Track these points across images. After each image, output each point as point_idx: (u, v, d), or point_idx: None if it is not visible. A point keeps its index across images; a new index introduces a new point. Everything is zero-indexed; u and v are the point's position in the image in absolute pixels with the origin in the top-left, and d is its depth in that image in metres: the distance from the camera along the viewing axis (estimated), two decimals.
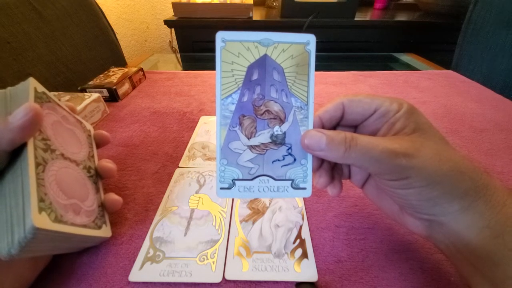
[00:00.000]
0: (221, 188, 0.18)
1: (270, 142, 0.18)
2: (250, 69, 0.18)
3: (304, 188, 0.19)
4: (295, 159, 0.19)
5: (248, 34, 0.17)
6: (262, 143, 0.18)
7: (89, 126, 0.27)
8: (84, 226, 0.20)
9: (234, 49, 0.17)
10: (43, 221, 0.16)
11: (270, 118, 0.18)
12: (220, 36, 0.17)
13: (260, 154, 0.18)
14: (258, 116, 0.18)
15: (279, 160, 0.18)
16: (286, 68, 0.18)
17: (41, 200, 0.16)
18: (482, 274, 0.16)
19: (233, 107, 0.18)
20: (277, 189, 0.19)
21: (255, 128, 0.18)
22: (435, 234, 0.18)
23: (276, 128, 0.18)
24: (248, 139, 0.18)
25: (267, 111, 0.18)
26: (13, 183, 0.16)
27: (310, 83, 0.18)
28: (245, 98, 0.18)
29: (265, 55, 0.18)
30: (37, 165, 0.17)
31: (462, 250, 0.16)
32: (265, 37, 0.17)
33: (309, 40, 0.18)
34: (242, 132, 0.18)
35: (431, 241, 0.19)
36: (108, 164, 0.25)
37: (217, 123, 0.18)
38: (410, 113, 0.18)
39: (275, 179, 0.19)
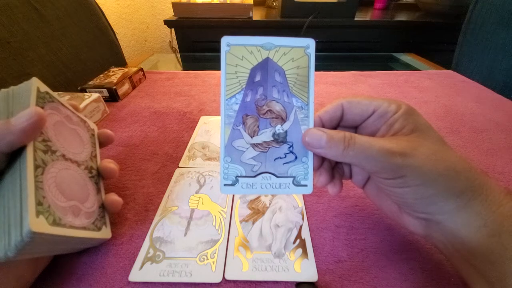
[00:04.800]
0: (225, 185, 0.19)
1: (272, 140, 0.19)
2: (253, 71, 0.18)
3: (305, 185, 0.19)
4: (296, 157, 0.19)
5: (251, 39, 0.18)
6: (265, 141, 0.19)
7: (93, 125, 0.27)
8: (84, 228, 0.20)
9: (238, 52, 0.18)
10: (41, 225, 0.16)
11: (272, 117, 0.19)
12: (225, 41, 0.18)
13: (263, 152, 0.19)
14: (261, 116, 0.19)
15: (281, 158, 0.19)
16: (287, 70, 0.19)
17: (39, 203, 0.16)
18: (480, 272, 0.16)
19: (236, 107, 0.19)
20: (279, 186, 0.19)
21: (258, 127, 0.19)
22: (433, 233, 0.18)
23: (278, 127, 0.19)
24: (251, 137, 0.19)
25: (269, 110, 0.19)
26: (12, 185, 0.16)
27: (310, 84, 0.19)
28: (248, 98, 0.19)
29: (267, 58, 0.18)
30: (36, 167, 0.17)
31: (460, 249, 0.17)
32: (267, 41, 0.18)
33: (309, 44, 0.18)
34: (245, 131, 0.19)
35: (430, 241, 0.19)
36: (110, 164, 0.25)
37: (222, 122, 0.19)
38: (409, 114, 0.18)
39: (277, 176, 0.19)
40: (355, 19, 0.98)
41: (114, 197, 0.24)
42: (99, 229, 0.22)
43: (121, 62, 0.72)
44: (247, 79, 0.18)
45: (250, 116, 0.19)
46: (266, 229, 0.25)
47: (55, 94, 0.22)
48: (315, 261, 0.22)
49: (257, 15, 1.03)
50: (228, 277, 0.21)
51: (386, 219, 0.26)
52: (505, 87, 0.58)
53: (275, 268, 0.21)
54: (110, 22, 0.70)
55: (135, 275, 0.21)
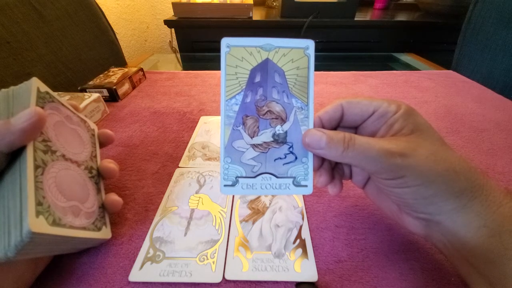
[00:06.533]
0: (225, 185, 0.19)
1: (272, 141, 0.19)
2: (253, 72, 0.19)
3: (306, 186, 0.19)
4: (296, 157, 0.19)
5: (250, 40, 0.18)
6: (265, 142, 0.19)
7: (93, 125, 0.27)
8: (83, 228, 0.20)
9: (238, 54, 0.18)
10: (40, 225, 0.16)
11: (272, 118, 0.19)
12: (225, 42, 0.18)
13: (263, 152, 0.19)
14: (261, 116, 0.19)
15: (281, 158, 0.19)
16: (287, 71, 0.19)
17: (39, 203, 0.16)
18: (480, 272, 0.16)
19: (236, 108, 0.19)
20: (279, 187, 0.19)
21: (258, 127, 0.19)
22: (433, 233, 0.18)
23: (278, 127, 0.19)
24: (251, 138, 0.19)
25: (269, 111, 0.19)
26: (12, 185, 0.16)
27: (310, 85, 0.19)
28: (248, 99, 0.19)
29: (267, 59, 0.18)
30: (36, 167, 0.17)
31: (460, 249, 0.17)
32: (266, 42, 0.18)
33: (308, 45, 0.19)
34: (245, 132, 0.19)
35: (430, 241, 0.19)
36: (110, 164, 0.25)
37: (222, 122, 0.19)
38: (408, 114, 0.18)
39: (277, 177, 0.19)
40: (355, 19, 0.98)
41: (114, 197, 0.24)
42: (99, 229, 0.22)
43: (121, 62, 0.72)
44: (247, 80, 0.19)
45: (250, 116, 0.19)
46: (266, 229, 0.25)
47: (55, 94, 0.22)
48: (315, 261, 0.22)
49: (257, 15, 1.03)
50: (228, 277, 0.21)
51: (386, 219, 0.26)
52: (505, 87, 0.58)
53: (275, 268, 0.21)
54: (110, 22, 0.70)
55: (135, 275, 0.21)
